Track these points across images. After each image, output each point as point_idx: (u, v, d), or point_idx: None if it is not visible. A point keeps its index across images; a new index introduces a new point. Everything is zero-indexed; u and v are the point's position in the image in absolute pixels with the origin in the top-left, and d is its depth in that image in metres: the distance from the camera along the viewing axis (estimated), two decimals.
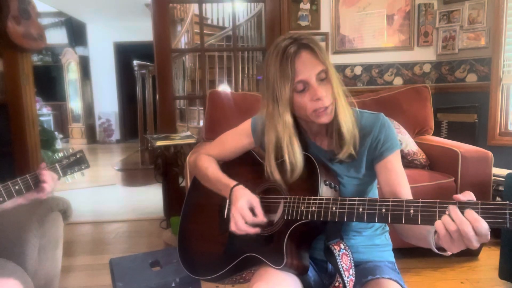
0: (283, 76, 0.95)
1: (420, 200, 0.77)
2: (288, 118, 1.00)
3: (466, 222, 0.68)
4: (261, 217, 0.99)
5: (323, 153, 1.06)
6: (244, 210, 0.99)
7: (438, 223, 0.71)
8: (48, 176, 1.17)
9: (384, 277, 0.98)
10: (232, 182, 1.07)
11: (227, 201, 1.14)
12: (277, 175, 1.03)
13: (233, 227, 0.99)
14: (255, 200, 1.01)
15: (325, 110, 0.97)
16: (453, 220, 0.70)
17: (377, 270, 1.01)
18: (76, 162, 1.30)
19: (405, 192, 0.97)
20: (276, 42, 1.00)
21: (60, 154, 1.28)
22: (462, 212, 0.70)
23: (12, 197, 1.14)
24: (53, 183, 1.19)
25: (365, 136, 1.02)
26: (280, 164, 1.04)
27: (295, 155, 1.01)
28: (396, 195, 0.97)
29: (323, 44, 3.02)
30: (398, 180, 0.99)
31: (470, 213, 0.69)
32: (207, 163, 1.20)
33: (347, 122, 0.99)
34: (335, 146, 1.02)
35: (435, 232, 0.74)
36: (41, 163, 1.23)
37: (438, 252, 0.77)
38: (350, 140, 1.00)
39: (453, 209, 0.71)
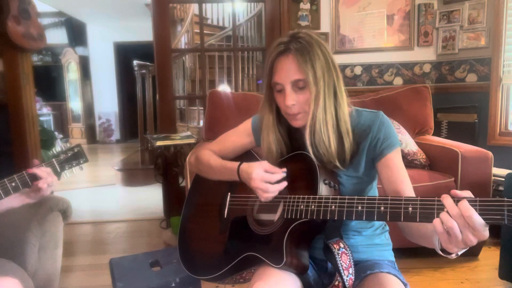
0: (266, 71, 1.01)
1: (419, 197, 0.77)
2: (266, 110, 1.07)
3: (459, 213, 0.68)
4: (279, 172, 1.00)
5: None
6: (263, 176, 1.00)
7: (436, 221, 0.71)
8: (42, 172, 1.17)
9: (383, 271, 0.98)
10: (236, 164, 1.10)
11: (227, 201, 1.14)
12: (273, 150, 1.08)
13: (264, 196, 0.99)
14: (264, 163, 1.03)
15: (294, 116, 1.01)
16: (449, 214, 0.70)
17: (376, 266, 1.02)
18: (74, 157, 1.28)
19: (407, 190, 0.97)
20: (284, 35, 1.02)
21: (57, 149, 1.27)
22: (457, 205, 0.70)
23: (9, 194, 1.13)
24: (49, 178, 1.18)
25: (364, 135, 1.02)
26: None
27: (268, 138, 1.07)
28: (398, 192, 0.97)
29: None
30: (400, 177, 0.99)
31: (463, 203, 0.69)
32: (208, 156, 1.22)
33: (325, 141, 0.98)
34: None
35: None
36: (39, 162, 1.22)
37: (442, 254, 0.76)
38: (324, 153, 0.99)
39: (446, 198, 0.71)
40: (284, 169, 1.01)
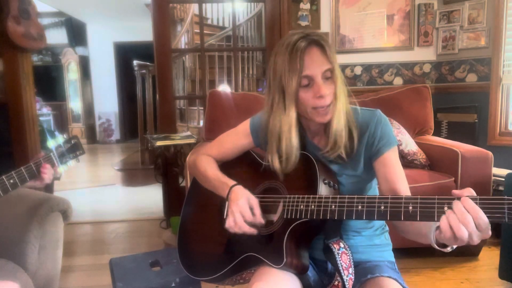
0: (291, 69, 0.96)
1: (419, 196, 0.77)
2: (292, 111, 1.01)
3: (467, 213, 0.69)
4: (259, 219, 1.00)
5: (321, 152, 1.06)
6: (244, 208, 0.99)
7: (444, 225, 0.71)
8: (48, 175, 1.17)
9: (384, 275, 0.98)
10: (232, 182, 1.08)
11: (226, 201, 1.14)
12: (277, 164, 1.04)
13: (231, 223, 0.99)
14: (254, 201, 1.02)
15: (325, 109, 0.98)
16: (455, 214, 0.70)
17: (377, 269, 1.02)
18: (71, 149, 1.28)
19: (403, 189, 0.98)
20: (286, 36, 1.01)
21: (54, 143, 1.27)
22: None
23: (8, 192, 1.13)
24: (51, 174, 1.19)
25: (362, 133, 1.02)
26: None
27: (291, 143, 1.02)
28: (394, 191, 0.97)
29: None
30: (396, 176, 0.99)
31: (469, 203, 0.69)
32: (205, 164, 1.20)
33: (339, 124, 0.99)
34: (327, 144, 1.03)
35: (437, 228, 0.74)
36: (39, 153, 1.22)
37: (438, 248, 0.77)
38: (337, 141, 1.00)
39: (456, 203, 0.71)
40: (264, 222, 1.00)
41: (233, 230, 1.00)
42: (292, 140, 1.02)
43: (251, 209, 1.00)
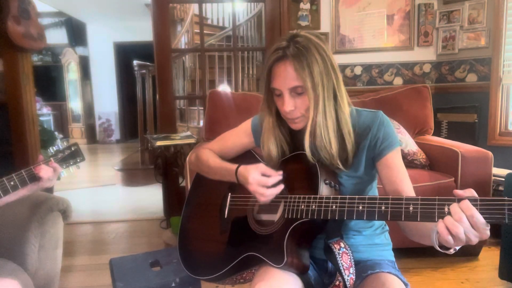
0: (264, 75, 1.01)
1: (420, 197, 0.77)
2: (266, 112, 1.07)
3: (461, 212, 0.69)
4: (275, 175, 1.00)
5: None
6: (260, 179, 1.00)
7: (441, 226, 0.71)
8: (44, 171, 1.17)
9: (384, 271, 0.99)
10: (234, 166, 1.10)
11: (227, 201, 1.15)
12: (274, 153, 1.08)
13: (262, 199, 1.00)
14: (260, 166, 1.03)
15: (293, 120, 1.01)
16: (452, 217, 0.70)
17: (377, 266, 1.02)
18: (71, 156, 1.29)
19: (407, 190, 0.97)
20: (280, 38, 1.00)
21: (55, 148, 1.28)
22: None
23: (8, 193, 1.14)
24: (52, 175, 1.19)
25: (364, 134, 1.02)
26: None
27: (267, 145, 1.07)
28: (398, 192, 0.97)
29: None
30: (399, 177, 0.99)
31: (465, 202, 0.70)
32: (208, 155, 1.23)
33: (326, 145, 0.98)
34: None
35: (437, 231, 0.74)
36: (39, 156, 1.23)
37: (441, 250, 0.77)
38: (331, 160, 0.99)
39: (453, 206, 0.72)
40: (280, 172, 1.01)
41: (268, 201, 1.01)
42: (269, 140, 1.07)
43: (264, 175, 1.01)
